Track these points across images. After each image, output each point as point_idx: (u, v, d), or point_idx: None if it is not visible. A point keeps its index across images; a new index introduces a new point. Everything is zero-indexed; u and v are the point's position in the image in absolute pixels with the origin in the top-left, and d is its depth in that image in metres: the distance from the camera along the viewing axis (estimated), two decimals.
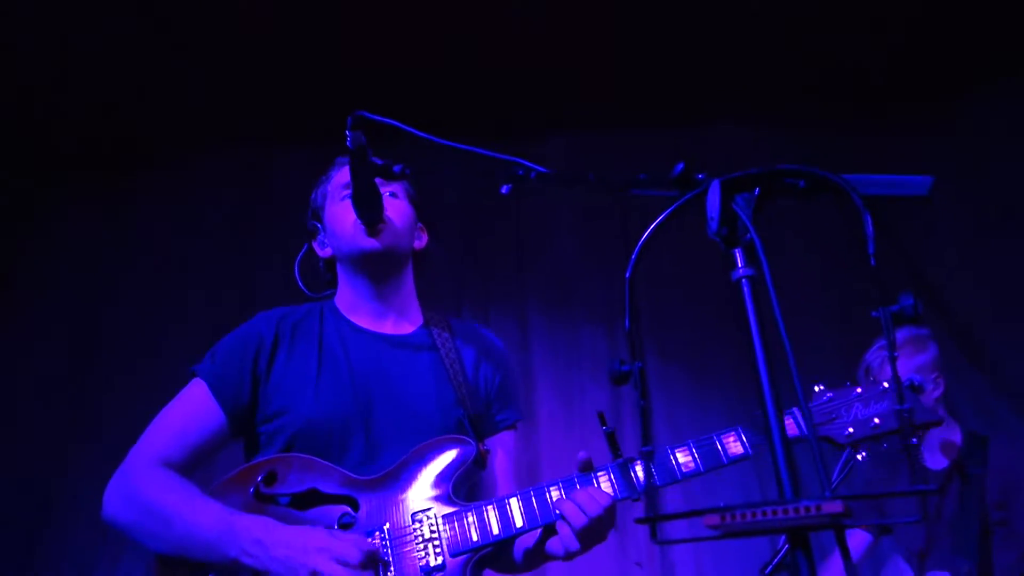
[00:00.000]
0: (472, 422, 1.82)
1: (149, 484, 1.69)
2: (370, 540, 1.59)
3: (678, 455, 1.61)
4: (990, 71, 4.37)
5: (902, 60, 4.37)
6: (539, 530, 1.68)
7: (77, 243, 4.76)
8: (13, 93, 4.41)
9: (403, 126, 1.55)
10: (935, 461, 2.93)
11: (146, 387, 4.18)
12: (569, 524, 1.57)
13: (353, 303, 1.94)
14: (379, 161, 1.70)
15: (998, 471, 2.82)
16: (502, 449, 1.92)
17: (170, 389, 1.86)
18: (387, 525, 1.62)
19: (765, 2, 4.01)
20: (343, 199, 1.88)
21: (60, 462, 4.19)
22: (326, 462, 1.69)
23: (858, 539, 3.09)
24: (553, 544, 1.65)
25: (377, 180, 1.77)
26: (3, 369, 4.42)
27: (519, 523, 1.62)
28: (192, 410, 1.79)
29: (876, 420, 1.56)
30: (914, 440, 2.73)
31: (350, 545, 1.51)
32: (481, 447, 1.74)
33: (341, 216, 1.89)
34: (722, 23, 4.18)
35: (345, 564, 1.48)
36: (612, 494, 1.61)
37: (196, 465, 1.78)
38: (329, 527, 1.61)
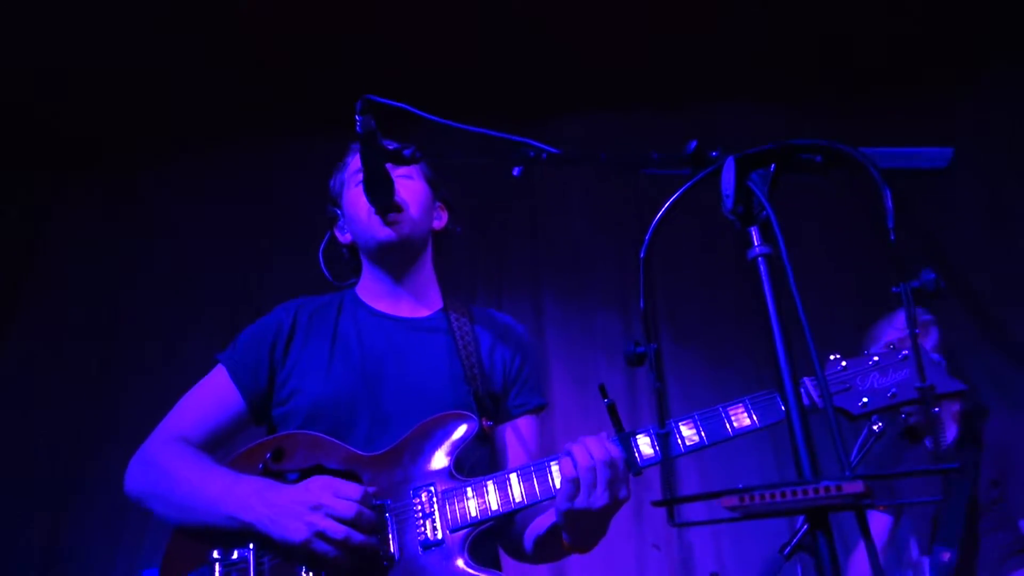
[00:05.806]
0: (479, 400, 1.81)
1: (163, 453, 1.76)
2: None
3: (682, 428, 1.56)
4: (1008, 41, 4.29)
5: (916, 32, 4.29)
6: (550, 519, 1.64)
7: (93, 237, 4.79)
8: (26, 91, 4.43)
9: (413, 109, 1.53)
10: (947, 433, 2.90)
11: (163, 384, 4.19)
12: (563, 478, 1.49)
13: (372, 288, 1.96)
14: (390, 145, 1.69)
15: (995, 447, 2.77)
16: (517, 434, 1.90)
17: (187, 384, 1.90)
18: (388, 499, 1.62)
19: None
20: (358, 184, 1.88)
21: (78, 459, 4.23)
22: (332, 439, 1.71)
23: (880, 522, 3.04)
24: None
25: (389, 164, 1.76)
26: (22, 366, 4.47)
27: (518, 499, 1.58)
28: (212, 394, 1.86)
29: (894, 390, 1.45)
30: (936, 409, 2.67)
31: (351, 486, 1.55)
32: (484, 423, 1.73)
33: (356, 202, 1.90)
34: (729, 5, 4.13)
35: (347, 498, 1.51)
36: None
37: (215, 447, 1.83)
38: None
